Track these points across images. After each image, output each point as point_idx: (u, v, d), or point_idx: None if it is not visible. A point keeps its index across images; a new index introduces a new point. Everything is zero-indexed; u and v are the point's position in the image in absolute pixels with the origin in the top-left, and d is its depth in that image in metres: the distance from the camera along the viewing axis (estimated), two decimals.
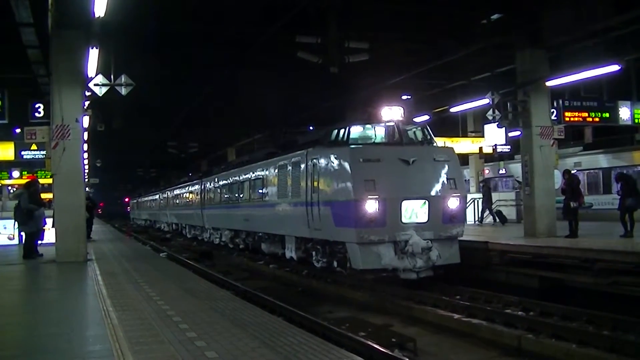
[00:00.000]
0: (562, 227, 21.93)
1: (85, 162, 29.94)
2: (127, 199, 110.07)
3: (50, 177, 21.76)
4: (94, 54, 19.08)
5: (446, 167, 17.85)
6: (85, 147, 26.17)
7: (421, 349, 11.91)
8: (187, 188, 43.66)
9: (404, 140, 18.25)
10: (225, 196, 31.49)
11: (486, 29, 23.02)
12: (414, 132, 18.96)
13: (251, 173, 26.51)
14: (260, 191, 24.88)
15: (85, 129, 23.02)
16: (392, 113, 18.55)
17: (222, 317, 10.70)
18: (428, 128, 19.43)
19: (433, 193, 17.39)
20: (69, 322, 10.97)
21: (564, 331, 12.22)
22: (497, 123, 24.67)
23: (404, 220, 16.90)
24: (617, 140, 33.83)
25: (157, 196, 59.74)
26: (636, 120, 25.42)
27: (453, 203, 17.57)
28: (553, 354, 11.30)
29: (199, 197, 38.23)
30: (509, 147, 33.20)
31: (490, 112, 24.07)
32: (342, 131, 18.77)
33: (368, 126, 18.79)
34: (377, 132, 18.72)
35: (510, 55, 23.81)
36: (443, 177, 17.63)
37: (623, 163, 30.39)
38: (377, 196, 16.55)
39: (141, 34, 22.00)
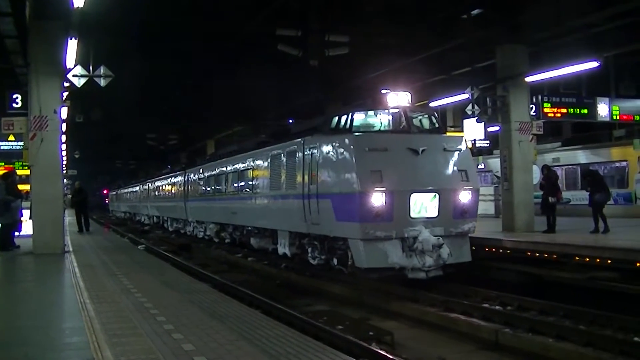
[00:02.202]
0: (539, 222, 22.05)
1: (64, 153, 29.71)
2: (105, 191, 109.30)
3: (28, 168, 21.59)
4: (72, 45, 18.93)
5: (457, 157, 16.54)
6: (64, 138, 25.99)
7: (399, 343, 11.90)
8: (169, 179, 42.21)
9: (412, 129, 16.82)
10: (211, 188, 29.96)
11: (467, 23, 23.06)
12: (420, 120, 17.54)
13: (240, 163, 24.99)
14: (250, 183, 23.40)
15: (64, 120, 22.88)
16: (398, 99, 17.07)
17: (199, 310, 10.68)
18: (436, 115, 18.13)
19: (444, 185, 16.02)
20: (45, 314, 10.93)
21: (541, 325, 12.29)
22: (476, 118, 24.81)
23: (412, 214, 15.54)
24: (595, 136, 34.02)
25: (137, 188, 58.41)
26: (614, 117, 25.61)
27: (465, 196, 16.20)
28: (530, 348, 11.35)
29: (182, 188, 36.84)
30: (488, 142, 33.38)
31: (470, 107, 24.17)
32: (344, 118, 17.27)
33: (372, 113, 17.28)
34: (383, 119, 17.17)
35: (491, 50, 23.90)
36: (454, 168, 16.32)
37: (601, 159, 30.57)
38: (384, 188, 15.20)
39: (121, 26, 21.83)
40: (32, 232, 20.39)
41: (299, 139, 18.73)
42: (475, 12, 22.82)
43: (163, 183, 44.58)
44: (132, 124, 46.11)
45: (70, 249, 21.65)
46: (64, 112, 22.80)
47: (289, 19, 21.68)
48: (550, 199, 21.09)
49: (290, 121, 35.04)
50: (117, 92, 26.79)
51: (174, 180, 40.32)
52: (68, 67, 20.44)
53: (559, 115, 24.78)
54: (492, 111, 23.34)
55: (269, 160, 21.23)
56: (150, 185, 50.36)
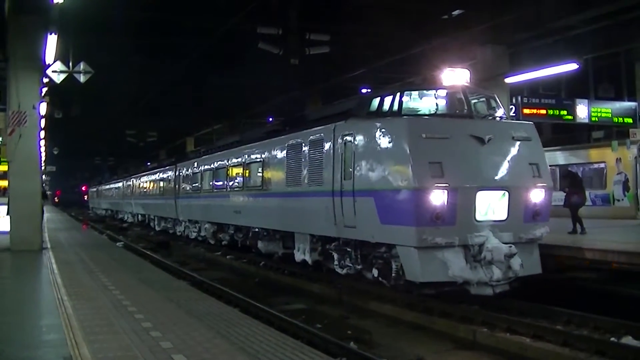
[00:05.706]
0: None
1: (42, 149, 29.55)
2: (84, 187, 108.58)
3: (6, 164, 21.49)
4: (52, 40, 18.83)
5: (528, 148, 14.02)
6: (42, 134, 25.85)
7: (377, 342, 11.92)
8: (157, 175, 38.66)
9: (473, 113, 14.24)
10: (209, 184, 26.76)
11: (447, 24, 23.15)
12: (475, 105, 14.60)
13: (246, 156, 21.81)
14: (260, 178, 20.28)
15: (43, 116, 22.77)
16: (456, 77, 14.92)
17: (177, 308, 10.67)
18: (497, 98, 15.24)
19: (514, 182, 13.53)
20: (22, 311, 10.89)
21: (518, 325, 12.32)
22: None
23: (478, 217, 13.11)
24: (574, 137, 34.22)
25: (120, 184, 55.49)
26: (593, 119, 25.72)
27: (537, 196, 13.74)
28: (507, 348, 11.39)
29: (172, 185, 33.42)
30: None
31: None
32: (388, 99, 14.47)
33: (423, 93, 14.58)
34: (438, 102, 14.39)
35: (471, 50, 23.98)
36: (525, 162, 13.85)
37: (580, 160, 30.71)
38: (446, 184, 12.69)
39: (101, 22, 21.76)
40: (10, 229, 20.27)
41: (328, 125, 15.96)
42: (456, 12, 22.92)
43: (150, 179, 41.15)
44: (111, 120, 45.90)
45: (49, 246, 21.58)
46: (43, 108, 22.68)
47: (270, 17, 21.66)
48: None
49: (270, 119, 34.98)
50: (97, 88, 26.71)
51: (163, 175, 37.01)
52: (47, 62, 20.36)
53: (538, 116, 24.84)
54: None
55: (285, 151, 18.34)
56: (135, 181, 47.26)
